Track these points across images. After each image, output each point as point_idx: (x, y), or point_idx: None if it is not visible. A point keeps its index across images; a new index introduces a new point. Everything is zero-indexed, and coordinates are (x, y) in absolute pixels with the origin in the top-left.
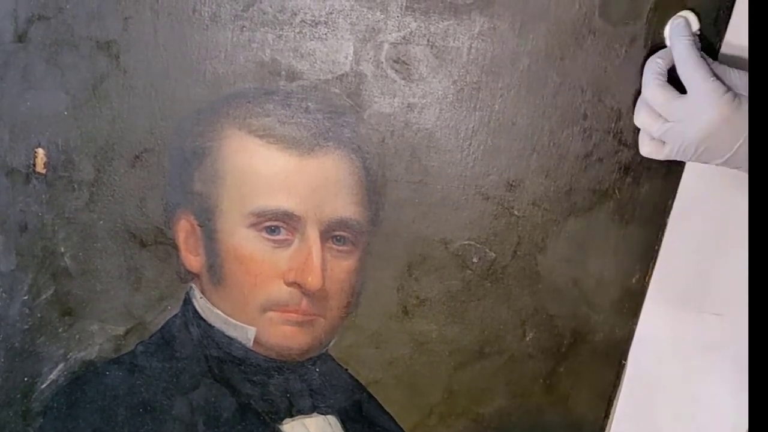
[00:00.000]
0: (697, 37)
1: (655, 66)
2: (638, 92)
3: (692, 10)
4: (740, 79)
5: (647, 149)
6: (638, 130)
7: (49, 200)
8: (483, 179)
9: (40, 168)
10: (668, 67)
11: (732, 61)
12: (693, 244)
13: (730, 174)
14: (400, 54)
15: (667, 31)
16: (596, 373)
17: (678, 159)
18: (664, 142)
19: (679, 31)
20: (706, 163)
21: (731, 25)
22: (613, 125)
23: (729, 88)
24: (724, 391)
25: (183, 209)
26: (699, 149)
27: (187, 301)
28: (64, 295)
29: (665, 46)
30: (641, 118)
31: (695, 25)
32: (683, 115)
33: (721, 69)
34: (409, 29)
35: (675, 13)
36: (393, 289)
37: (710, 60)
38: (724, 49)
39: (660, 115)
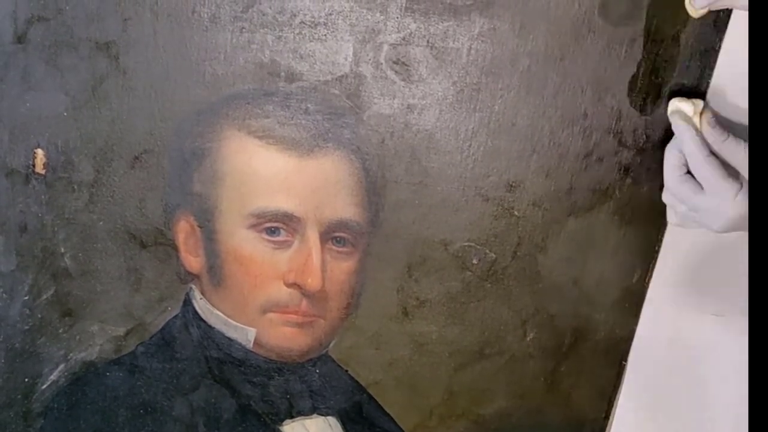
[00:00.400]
0: (707, 116)
1: (672, 159)
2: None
3: (680, 93)
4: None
5: (676, 221)
6: (638, 130)
7: (48, 201)
8: (483, 180)
9: (39, 169)
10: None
11: (731, 65)
12: (694, 245)
13: None
14: (400, 55)
15: (671, 121)
16: (597, 372)
17: None
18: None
19: (678, 128)
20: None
21: (731, 25)
22: (613, 125)
23: (741, 185)
24: (724, 391)
25: (183, 210)
26: (724, 231)
27: (187, 302)
28: (65, 296)
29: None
30: (668, 198)
31: (689, 109)
32: (703, 208)
33: (733, 146)
34: (408, 30)
35: (674, 14)
36: (393, 291)
37: (721, 136)
38: (723, 53)
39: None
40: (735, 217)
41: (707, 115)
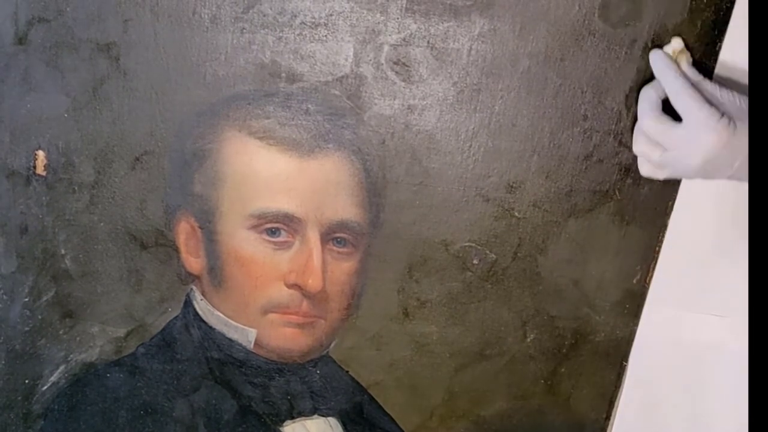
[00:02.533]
0: (686, 55)
1: (648, 97)
2: (638, 94)
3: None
4: (731, 96)
5: (647, 170)
6: None
7: (49, 202)
8: (483, 181)
9: (40, 170)
10: (662, 97)
11: (731, 65)
12: (694, 245)
13: None
14: (400, 56)
15: (651, 61)
16: (597, 373)
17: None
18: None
19: (659, 67)
20: (706, 179)
21: (730, 27)
22: (613, 126)
23: (723, 113)
24: (724, 392)
25: (183, 211)
26: (699, 172)
27: (188, 303)
28: (65, 297)
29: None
30: (640, 146)
31: (669, 48)
32: (681, 143)
33: (711, 87)
34: (409, 31)
35: (674, 15)
36: (394, 291)
37: (700, 77)
38: (723, 54)
39: (658, 143)
40: (715, 144)
41: (686, 55)
